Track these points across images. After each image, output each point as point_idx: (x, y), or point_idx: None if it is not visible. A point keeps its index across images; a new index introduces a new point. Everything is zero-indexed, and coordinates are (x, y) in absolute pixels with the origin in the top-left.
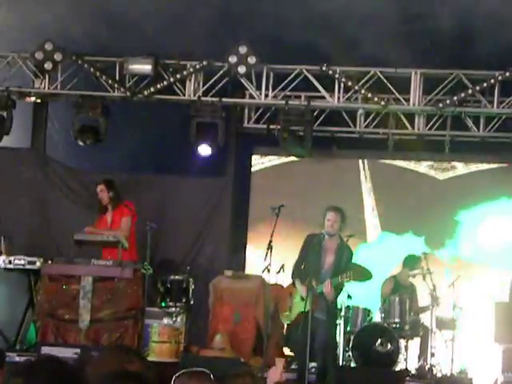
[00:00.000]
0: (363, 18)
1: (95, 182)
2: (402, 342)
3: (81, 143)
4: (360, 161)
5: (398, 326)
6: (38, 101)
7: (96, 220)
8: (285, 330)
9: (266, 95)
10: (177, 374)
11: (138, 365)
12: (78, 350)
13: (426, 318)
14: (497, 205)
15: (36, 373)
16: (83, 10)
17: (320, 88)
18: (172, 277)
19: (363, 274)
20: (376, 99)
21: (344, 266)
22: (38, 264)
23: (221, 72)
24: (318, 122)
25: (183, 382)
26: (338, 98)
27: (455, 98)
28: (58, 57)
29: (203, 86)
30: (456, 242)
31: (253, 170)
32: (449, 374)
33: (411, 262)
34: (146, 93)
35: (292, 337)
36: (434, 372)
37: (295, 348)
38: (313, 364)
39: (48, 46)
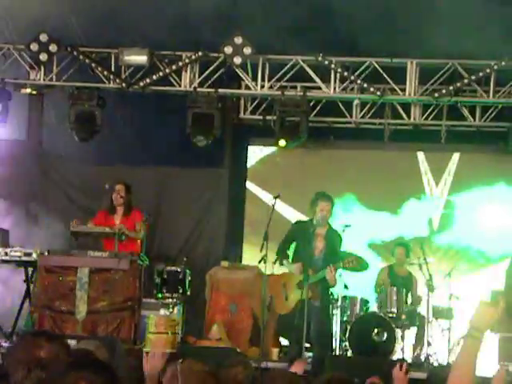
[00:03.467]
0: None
1: (91, 173)
2: (399, 332)
3: (76, 135)
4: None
5: (394, 315)
6: (34, 92)
7: (95, 217)
8: (281, 322)
9: (262, 86)
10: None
11: (48, 349)
12: (75, 342)
13: (422, 308)
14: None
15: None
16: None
17: (316, 78)
18: (168, 268)
19: (360, 263)
20: (372, 89)
21: (336, 252)
22: (35, 256)
23: (216, 63)
24: (315, 113)
25: (189, 365)
26: (334, 88)
27: (451, 87)
28: (53, 48)
29: (199, 76)
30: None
31: (248, 160)
32: (445, 364)
33: (397, 249)
34: (141, 84)
35: (288, 324)
36: (431, 361)
37: (290, 336)
38: (308, 354)
39: (43, 38)
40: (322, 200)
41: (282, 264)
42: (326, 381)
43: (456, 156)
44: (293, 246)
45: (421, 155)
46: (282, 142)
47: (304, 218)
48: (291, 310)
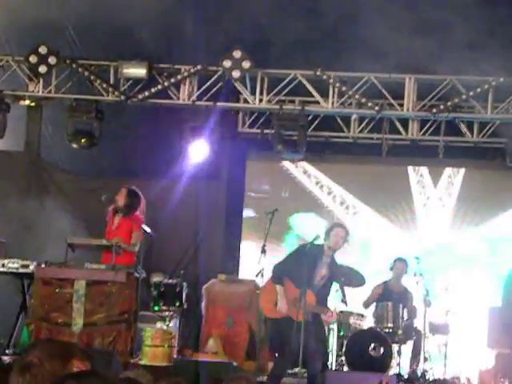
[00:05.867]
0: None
1: (89, 185)
2: (395, 347)
3: (75, 146)
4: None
5: (390, 330)
6: (32, 104)
7: (108, 216)
8: (266, 327)
9: (261, 100)
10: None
11: None
12: None
13: (418, 322)
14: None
15: None
16: (77, 12)
17: (314, 93)
18: (165, 281)
19: (357, 280)
20: (370, 104)
21: (336, 267)
22: (32, 267)
23: (215, 76)
24: (312, 127)
25: None
26: (332, 102)
27: (449, 103)
28: (52, 60)
29: (197, 90)
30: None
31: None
32: (442, 379)
33: (398, 264)
34: (140, 97)
35: (276, 333)
36: (427, 376)
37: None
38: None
39: (42, 50)
40: (338, 228)
41: (281, 284)
42: None
43: (448, 170)
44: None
45: (418, 170)
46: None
47: (307, 240)
48: (280, 317)
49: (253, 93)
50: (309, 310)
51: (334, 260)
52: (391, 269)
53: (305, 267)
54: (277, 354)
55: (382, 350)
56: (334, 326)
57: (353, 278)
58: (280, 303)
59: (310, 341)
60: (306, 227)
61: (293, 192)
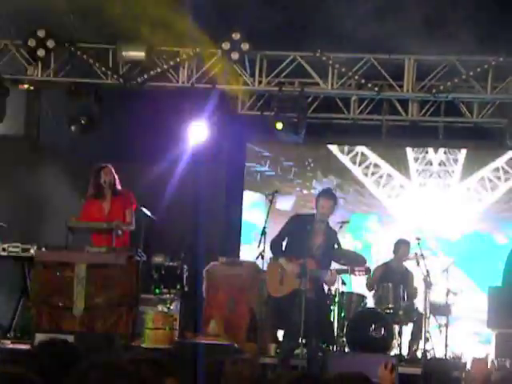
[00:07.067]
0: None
1: (89, 168)
2: (396, 328)
3: (74, 130)
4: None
5: (391, 311)
6: (31, 88)
7: (85, 204)
8: (273, 306)
9: (260, 82)
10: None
11: None
12: (73, 337)
13: (419, 303)
14: None
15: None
16: None
17: (314, 74)
18: (166, 263)
19: (357, 260)
20: (369, 85)
21: (334, 249)
22: (32, 251)
23: (214, 58)
24: (312, 109)
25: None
26: (332, 84)
27: (448, 83)
28: (50, 44)
29: (196, 72)
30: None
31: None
32: (442, 359)
33: (402, 247)
34: (139, 80)
35: (280, 311)
36: (428, 357)
37: (287, 327)
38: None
39: (40, 33)
40: (324, 197)
41: (276, 258)
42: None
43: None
44: (286, 240)
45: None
46: (280, 125)
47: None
48: (284, 295)
49: (252, 75)
50: (310, 274)
51: (329, 227)
52: (394, 252)
53: (298, 236)
54: (281, 336)
55: (383, 330)
56: (335, 308)
57: (352, 259)
58: (288, 267)
59: (311, 320)
60: None
61: None
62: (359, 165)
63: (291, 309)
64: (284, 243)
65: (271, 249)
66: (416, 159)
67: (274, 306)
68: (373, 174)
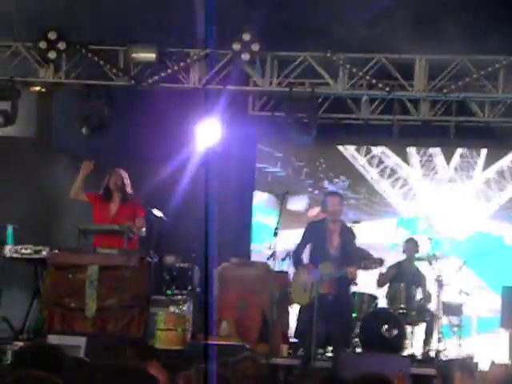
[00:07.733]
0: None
1: (101, 170)
2: (409, 328)
3: (85, 132)
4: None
5: (404, 311)
6: (43, 90)
7: (95, 211)
8: (298, 313)
9: (271, 82)
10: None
11: None
12: (85, 339)
13: (432, 304)
14: None
15: None
16: None
17: (324, 74)
18: (177, 264)
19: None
20: (380, 85)
21: (353, 248)
22: (45, 253)
23: (225, 59)
24: (323, 109)
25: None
26: (343, 84)
27: (460, 83)
28: (61, 46)
29: (207, 73)
30: None
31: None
32: (455, 359)
33: (409, 244)
34: (150, 81)
35: (305, 320)
36: (440, 357)
37: (305, 332)
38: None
39: (52, 35)
40: (331, 196)
41: (296, 268)
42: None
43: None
44: (308, 247)
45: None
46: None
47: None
48: (307, 303)
49: (262, 75)
50: (331, 278)
51: (344, 225)
52: (403, 251)
53: (316, 241)
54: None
55: (395, 330)
56: None
57: (366, 254)
58: (301, 278)
59: (331, 324)
60: None
61: None
62: (377, 166)
63: (307, 320)
64: (307, 251)
65: (291, 260)
66: (421, 162)
67: (300, 315)
68: (389, 176)
